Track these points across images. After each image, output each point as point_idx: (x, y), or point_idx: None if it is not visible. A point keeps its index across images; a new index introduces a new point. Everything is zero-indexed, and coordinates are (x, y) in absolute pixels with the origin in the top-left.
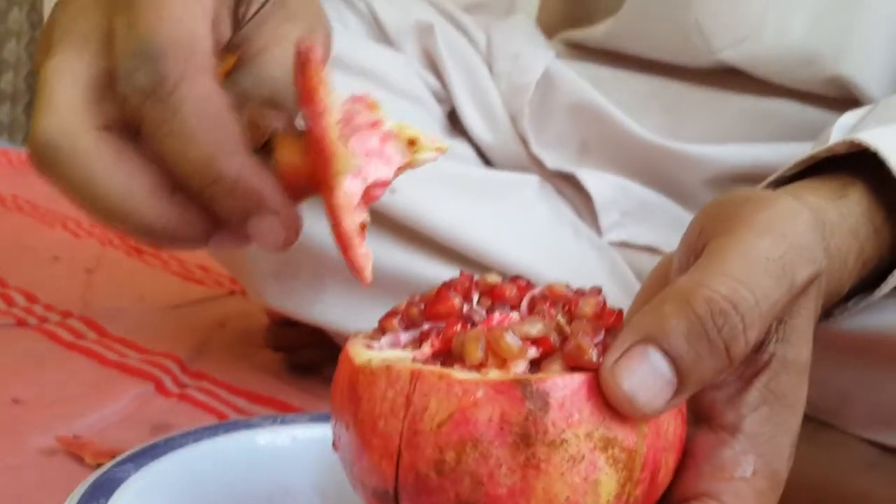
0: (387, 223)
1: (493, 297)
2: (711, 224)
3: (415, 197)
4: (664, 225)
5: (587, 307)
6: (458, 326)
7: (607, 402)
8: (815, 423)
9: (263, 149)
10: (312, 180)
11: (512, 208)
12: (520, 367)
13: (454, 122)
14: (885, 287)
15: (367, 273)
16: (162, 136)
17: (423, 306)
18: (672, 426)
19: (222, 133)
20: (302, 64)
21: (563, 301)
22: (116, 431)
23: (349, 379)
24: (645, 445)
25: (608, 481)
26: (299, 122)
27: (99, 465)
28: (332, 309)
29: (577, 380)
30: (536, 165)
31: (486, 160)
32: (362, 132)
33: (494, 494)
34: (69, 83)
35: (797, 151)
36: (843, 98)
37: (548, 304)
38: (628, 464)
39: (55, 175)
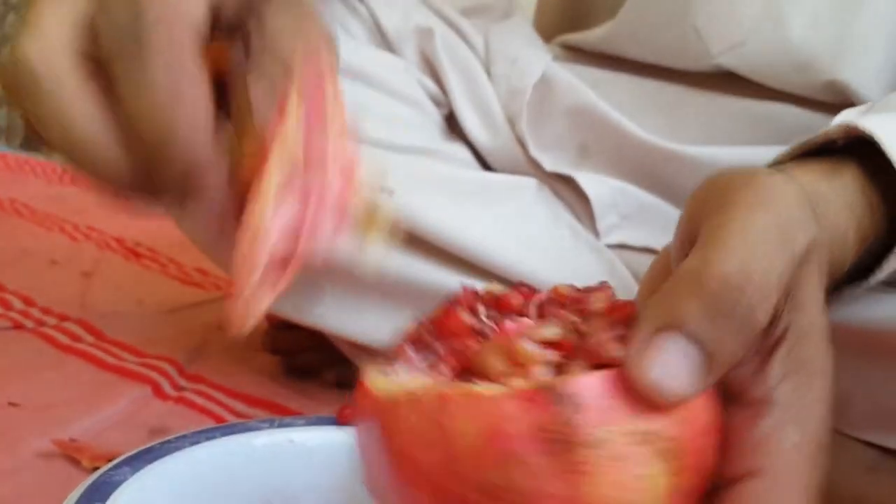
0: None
1: (499, 307)
2: (700, 208)
3: (412, 200)
4: (662, 227)
5: (599, 302)
6: (472, 342)
7: (638, 395)
8: None
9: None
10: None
11: (510, 211)
12: (542, 373)
13: (452, 126)
14: (888, 266)
15: (243, 325)
16: (127, 82)
17: (432, 327)
18: (706, 409)
19: (187, 106)
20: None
21: (573, 301)
22: (113, 435)
23: (374, 415)
24: (685, 433)
25: (657, 475)
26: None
27: (96, 469)
28: (330, 312)
29: (604, 377)
30: (535, 168)
31: (485, 163)
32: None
33: None
34: (59, 14)
35: None
36: (840, 103)
37: (556, 306)
38: (673, 454)
39: (25, 97)
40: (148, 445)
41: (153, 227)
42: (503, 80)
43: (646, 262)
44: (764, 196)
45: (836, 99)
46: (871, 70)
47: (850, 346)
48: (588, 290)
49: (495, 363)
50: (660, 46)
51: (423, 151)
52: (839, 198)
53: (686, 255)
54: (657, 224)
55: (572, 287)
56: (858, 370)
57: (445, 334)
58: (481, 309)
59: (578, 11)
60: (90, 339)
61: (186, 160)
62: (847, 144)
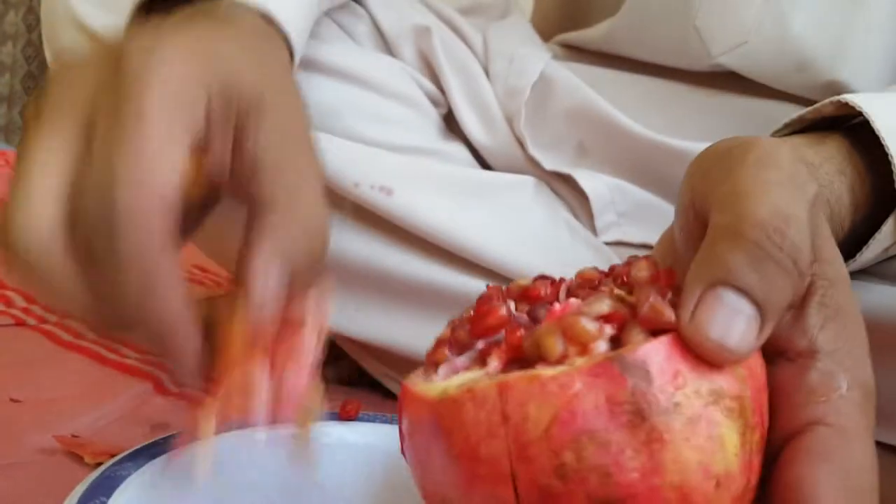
0: (382, 224)
1: (528, 299)
2: (705, 175)
3: (411, 198)
4: (660, 225)
5: (642, 271)
6: (521, 331)
7: (699, 356)
8: None
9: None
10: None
11: (508, 209)
12: (601, 349)
13: (451, 125)
14: (881, 235)
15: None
16: (103, 265)
17: (468, 327)
18: (759, 365)
19: (158, 292)
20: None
21: (613, 276)
22: (115, 430)
23: (428, 417)
24: (748, 389)
25: (730, 433)
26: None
27: (98, 465)
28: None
29: (665, 341)
30: (533, 167)
31: (483, 162)
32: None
33: (626, 482)
34: (45, 187)
35: None
36: None
37: (587, 288)
38: (741, 411)
39: (16, 261)
40: (150, 441)
41: None
42: (501, 78)
43: None
44: (767, 156)
45: None
46: (870, 71)
47: None
48: (627, 263)
49: (555, 344)
50: (660, 46)
51: (422, 151)
52: (828, 162)
53: (690, 233)
54: (655, 221)
55: (596, 269)
56: None
57: (486, 330)
58: (511, 303)
59: (577, 10)
60: (91, 335)
61: (159, 331)
62: (836, 122)
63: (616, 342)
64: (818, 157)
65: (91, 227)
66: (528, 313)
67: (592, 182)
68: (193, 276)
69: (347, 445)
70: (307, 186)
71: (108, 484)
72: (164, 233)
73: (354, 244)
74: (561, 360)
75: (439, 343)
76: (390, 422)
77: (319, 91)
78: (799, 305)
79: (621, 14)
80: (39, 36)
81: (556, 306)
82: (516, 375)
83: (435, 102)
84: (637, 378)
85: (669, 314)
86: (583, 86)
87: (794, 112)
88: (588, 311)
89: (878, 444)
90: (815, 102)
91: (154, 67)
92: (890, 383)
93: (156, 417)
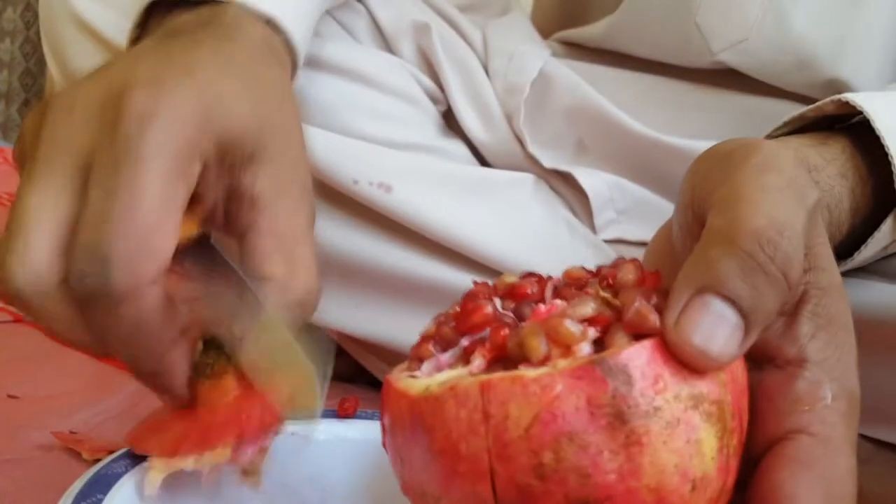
0: (382, 221)
1: (515, 297)
2: (705, 176)
3: (410, 195)
4: (659, 222)
5: (629, 275)
6: (503, 330)
7: (681, 361)
8: None
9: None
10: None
11: (507, 207)
12: (584, 351)
13: (450, 122)
14: (879, 233)
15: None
16: (97, 317)
17: (453, 323)
18: (740, 369)
19: (152, 349)
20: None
21: (599, 277)
22: (113, 427)
23: (409, 413)
24: (729, 393)
25: (708, 437)
26: None
27: (96, 461)
28: (327, 306)
29: (648, 345)
30: (532, 164)
31: (482, 160)
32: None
33: (604, 483)
34: (42, 234)
35: None
36: None
37: (573, 288)
38: (720, 416)
39: (15, 303)
40: None
41: None
42: (501, 75)
43: (642, 255)
44: (768, 160)
45: None
46: (871, 69)
47: None
48: (614, 265)
49: (538, 345)
50: (660, 43)
51: (421, 148)
52: (830, 165)
53: (689, 231)
54: (654, 219)
55: (584, 269)
56: None
57: (471, 328)
58: (497, 301)
59: (577, 7)
60: None
61: (148, 370)
62: (836, 121)
63: (600, 345)
64: (821, 159)
65: (84, 284)
66: (514, 311)
67: (591, 180)
68: None
69: (345, 442)
70: (302, 248)
71: (105, 480)
72: (157, 295)
73: (354, 241)
74: (544, 362)
75: (424, 338)
76: None
77: (319, 88)
78: (791, 313)
79: (621, 11)
80: (38, 32)
81: (542, 307)
82: (499, 375)
83: (434, 99)
84: (618, 381)
85: (654, 319)
86: (582, 83)
87: (794, 110)
88: (572, 313)
89: (879, 442)
90: (816, 100)
91: (154, 129)
92: (890, 382)
93: None
